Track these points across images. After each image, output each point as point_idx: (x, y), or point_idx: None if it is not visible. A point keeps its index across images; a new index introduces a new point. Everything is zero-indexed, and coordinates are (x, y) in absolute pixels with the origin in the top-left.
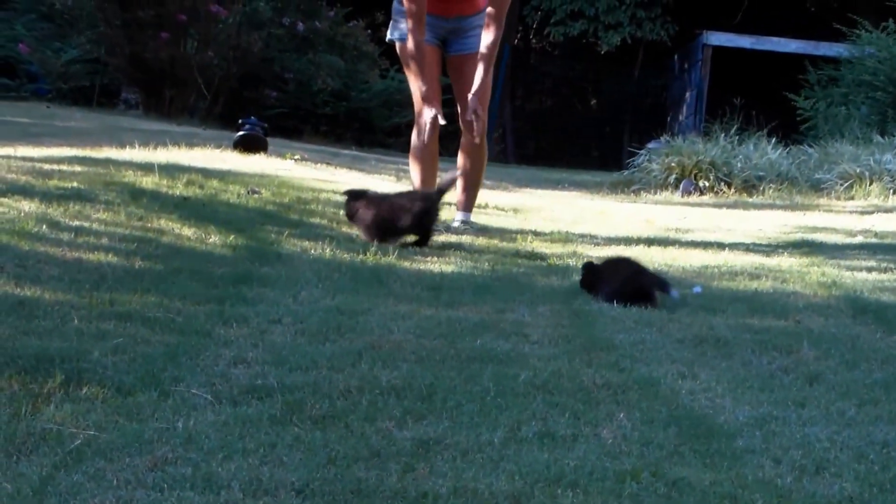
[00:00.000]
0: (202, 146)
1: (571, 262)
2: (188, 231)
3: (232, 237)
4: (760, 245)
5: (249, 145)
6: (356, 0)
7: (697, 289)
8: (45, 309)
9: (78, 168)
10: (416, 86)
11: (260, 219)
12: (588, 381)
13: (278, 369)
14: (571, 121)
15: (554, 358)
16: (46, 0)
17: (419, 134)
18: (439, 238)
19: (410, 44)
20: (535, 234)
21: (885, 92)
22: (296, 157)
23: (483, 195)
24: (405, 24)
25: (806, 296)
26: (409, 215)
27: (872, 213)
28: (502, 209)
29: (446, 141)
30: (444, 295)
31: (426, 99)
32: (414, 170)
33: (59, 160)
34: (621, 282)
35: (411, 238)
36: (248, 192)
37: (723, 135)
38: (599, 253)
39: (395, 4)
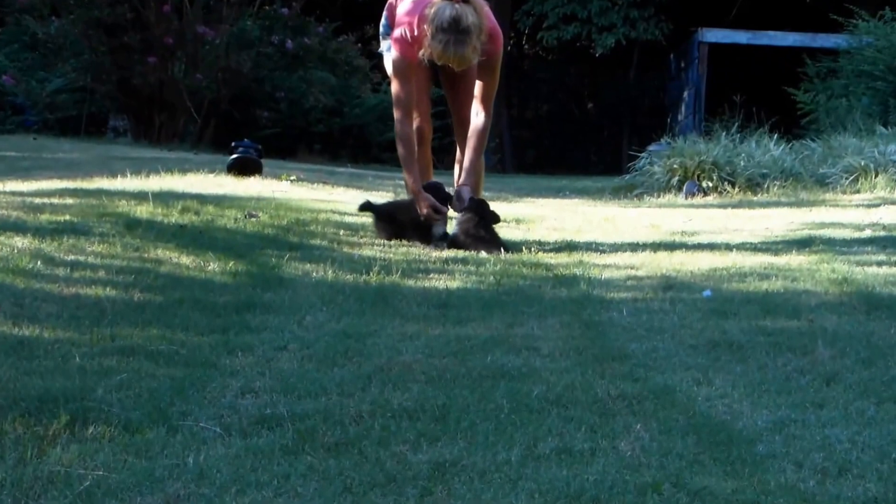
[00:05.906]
0: (195, 172)
1: (578, 271)
2: (187, 259)
3: (232, 263)
4: (768, 244)
5: (244, 168)
6: (346, 14)
7: (707, 293)
8: (46, 348)
9: (70, 200)
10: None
11: (259, 243)
12: (603, 393)
13: (287, 397)
14: (569, 127)
15: (567, 371)
16: (29, 30)
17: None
18: (442, 253)
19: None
20: (540, 244)
21: (885, 81)
22: (292, 177)
23: None
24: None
25: (818, 294)
26: None
27: (879, 205)
28: (504, 220)
29: (441, 154)
30: (451, 312)
31: (416, 192)
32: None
33: (50, 193)
34: None
35: None
36: (246, 217)
37: (724, 133)
38: (606, 261)
39: (382, 19)
